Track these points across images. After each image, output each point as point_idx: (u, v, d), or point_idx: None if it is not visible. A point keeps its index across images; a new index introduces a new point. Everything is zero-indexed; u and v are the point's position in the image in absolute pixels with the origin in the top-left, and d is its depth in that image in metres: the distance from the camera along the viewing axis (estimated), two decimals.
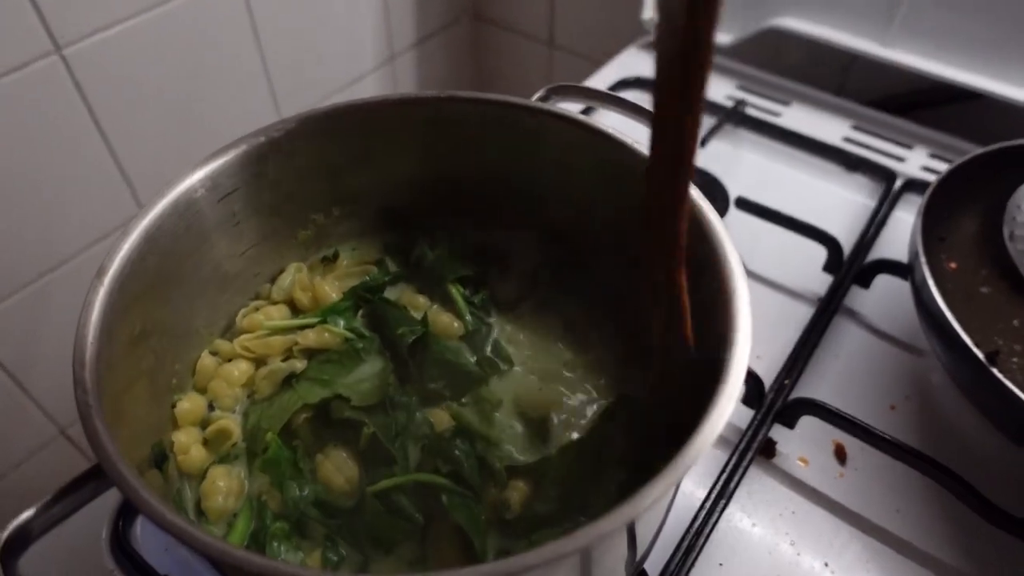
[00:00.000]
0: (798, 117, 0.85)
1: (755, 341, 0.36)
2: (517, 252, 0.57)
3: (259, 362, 0.51)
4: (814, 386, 0.58)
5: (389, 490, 0.44)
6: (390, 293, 0.56)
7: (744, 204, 0.71)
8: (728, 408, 0.33)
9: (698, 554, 0.48)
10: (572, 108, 0.52)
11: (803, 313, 0.63)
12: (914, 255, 0.56)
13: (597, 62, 0.95)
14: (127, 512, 0.49)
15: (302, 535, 0.44)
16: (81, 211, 0.77)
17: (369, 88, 1.05)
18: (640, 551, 0.42)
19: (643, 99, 0.86)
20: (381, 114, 0.51)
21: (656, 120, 0.33)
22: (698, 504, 0.50)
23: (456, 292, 0.54)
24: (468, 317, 0.53)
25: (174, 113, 0.81)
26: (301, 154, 0.50)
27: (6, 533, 0.40)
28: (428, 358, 0.50)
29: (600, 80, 0.90)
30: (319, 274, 0.56)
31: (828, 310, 0.63)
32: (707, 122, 0.82)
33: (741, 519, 0.51)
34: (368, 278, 0.56)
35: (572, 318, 0.54)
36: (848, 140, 0.82)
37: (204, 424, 0.48)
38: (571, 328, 0.53)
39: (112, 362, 0.38)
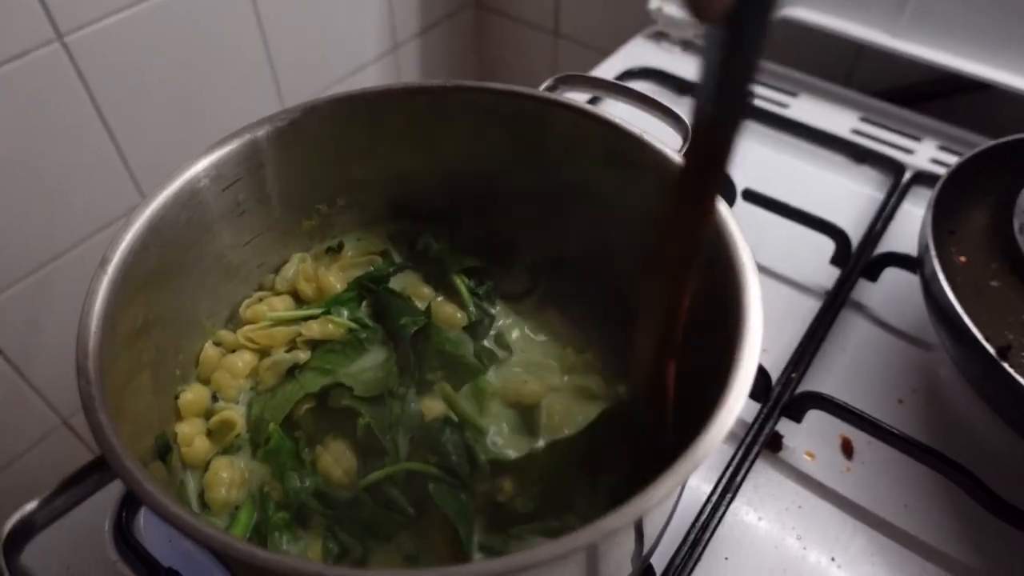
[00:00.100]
0: (806, 108, 0.84)
1: (762, 334, 0.35)
2: (523, 244, 0.57)
3: (263, 353, 0.51)
4: (821, 380, 0.58)
5: (381, 482, 0.44)
6: (395, 283, 0.55)
7: (751, 196, 0.71)
8: (738, 404, 0.33)
9: (704, 548, 0.48)
10: (579, 98, 0.51)
11: (810, 306, 0.63)
12: (924, 248, 0.55)
13: (603, 52, 0.94)
14: (130, 503, 0.49)
15: (303, 525, 0.44)
16: (83, 200, 0.77)
17: (372, 78, 1.05)
18: (647, 545, 0.42)
19: (650, 89, 0.86)
20: (386, 104, 0.51)
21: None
22: (704, 498, 0.50)
23: (460, 283, 0.54)
24: (471, 308, 0.53)
25: (177, 102, 0.80)
26: (305, 144, 0.50)
27: (9, 525, 0.40)
28: (429, 348, 0.50)
29: (606, 70, 0.89)
30: (323, 264, 0.56)
31: (835, 303, 0.62)
32: None
33: (747, 513, 0.51)
34: (372, 268, 0.55)
35: (576, 314, 0.53)
36: (856, 132, 0.81)
37: (208, 415, 0.48)
38: (574, 324, 0.53)
39: (115, 352, 0.37)
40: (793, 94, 0.87)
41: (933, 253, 0.54)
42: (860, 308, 0.64)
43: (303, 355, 0.50)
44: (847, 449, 0.54)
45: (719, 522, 0.49)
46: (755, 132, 0.82)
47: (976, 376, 0.53)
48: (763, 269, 0.66)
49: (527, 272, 0.56)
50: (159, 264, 0.43)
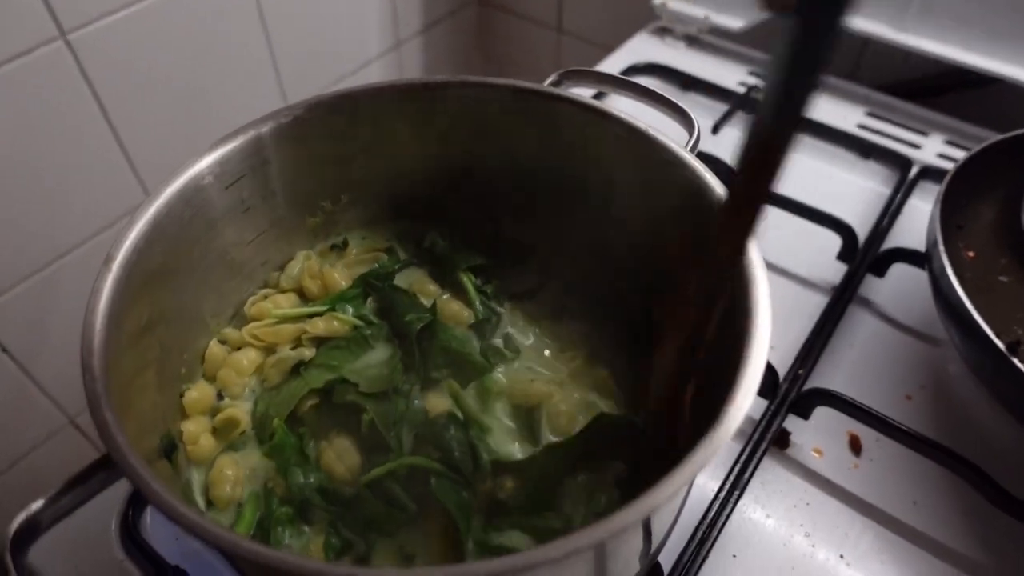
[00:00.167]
0: (811, 103, 0.83)
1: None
2: (531, 243, 0.56)
3: (268, 350, 0.51)
4: (829, 376, 0.57)
5: (383, 478, 0.44)
6: (400, 280, 0.55)
7: None
8: (746, 402, 0.32)
9: (712, 545, 0.48)
10: (584, 93, 0.51)
11: (817, 303, 0.62)
12: (932, 243, 0.55)
13: (607, 48, 0.94)
14: (137, 502, 0.49)
15: (306, 520, 0.44)
16: (88, 199, 0.77)
17: (376, 75, 1.05)
18: (655, 543, 0.42)
19: (654, 85, 0.85)
20: (390, 100, 0.51)
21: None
22: (712, 495, 0.50)
23: (467, 280, 0.54)
24: (478, 306, 0.53)
25: (180, 99, 0.80)
26: (309, 140, 0.50)
27: (15, 524, 0.40)
28: (435, 346, 0.50)
29: (610, 66, 0.89)
30: (329, 262, 0.56)
31: (843, 299, 0.62)
32: (719, 108, 0.81)
33: (755, 511, 0.51)
34: (378, 265, 0.55)
35: (583, 316, 0.53)
36: (863, 127, 0.81)
37: (213, 412, 0.48)
38: (583, 328, 0.53)
39: (120, 350, 0.37)
40: None
41: (941, 248, 0.53)
42: (867, 304, 0.63)
43: (308, 352, 0.50)
44: (855, 446, 0.54)
45: (727, 520, 0.49)
46: None
47: (985, 372, 0.52)
48: (770, 266, 0.66)
49: (536, 272, 0.56)
50: (163, 262, 0.42)
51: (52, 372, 0.81)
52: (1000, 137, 0.61)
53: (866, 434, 0.54)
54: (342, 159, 0.53)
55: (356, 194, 0.55)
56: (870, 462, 0.53)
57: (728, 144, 0.78)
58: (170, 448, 0.43)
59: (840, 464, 0.53)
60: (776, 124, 0.30)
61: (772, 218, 0.69)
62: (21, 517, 0.41)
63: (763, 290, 0.37)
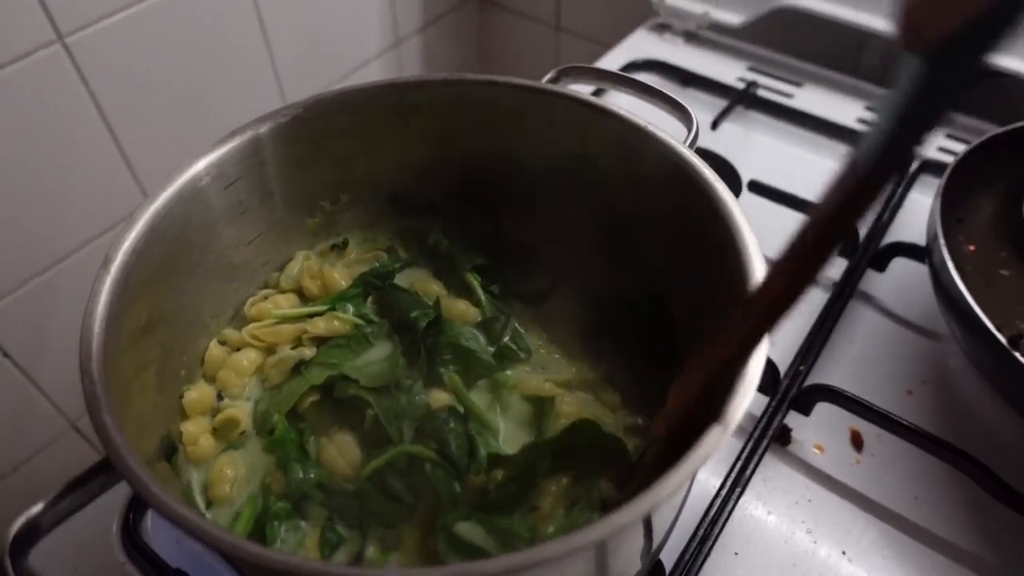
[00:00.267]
0: (811, 98, 0.84)
1: None
2: (533, 243, 0.56)
3: (268, 350, 0.50)
4: (829, 372, 0.57)
5: (383, 472, 0.44)
6: (401, 279, 0.55)
7: (757, 187, 0.70)
8: (747, 398, 0.32)
9: (714, 543, 0.47)
10: (583, 90, 0.51)
11: (817, 298, 0.62)
12: (932, 237, 0.55)
13: (605, 45, 0.94)
14: (138, 505, 0.49)
15: (303, 516, 0.44)
16: (87, 202, 0.77)
17: (375, 74, 1.04)
18: (656, 541, 0.42)
19: (653, 81, 0.85)
20: (388, 99, 0.51)
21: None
22: (713, 492, 0.49)
23: (473, 279, 0.54)
24: (485, 304, 0.53)
25: (179, 101, 0.80)
26: (307, 140, 0.50)
27: (15, 528, 0.40)
28: (441, 341, 0.50)
29: (609, 63, 0.89)
30: (328, 262, 0.55)
31: (843, 295, 0.62)
32: (718, 104, 0.81)
33: (757, 507, 0.51)
34: (378, 264, 0.55)
35: (589, 321, 0.53)
36: (862, 121, 0.80)
37: (213, 413, 0.48)
38: (585, 331, 0.52)
39: (119, 353, 0.37)
40: (798, 84, 0.86)
41: (942, 242, 0.53)
42: (868, 299, 0.63)
43: (309, 352, 0.50)
44: (856, 441, 0.54)
45: (728, 517, 0.49)
46: (760, 123, 0.81)
47: (987, 366, 0.52)
48: (770, 261, 0.66)
49: (542, 273, 0.55)
50: (162, 264, 0.42)
51: (53, 376, 0.81)
52: (1000, 130, 0.61)
53: (867, 430, 0.54)
54: (341, 159, 0.53)
55: (356, 194, 0.55)
56: (871, 458, 0.53)
57: (727, 140, 0.78)
58: (170, 450, 0.43)
59: (842, 460, 0.53)
60: (882, 163, 0.27)
61: (772, 213, 0.68)
62: (21, 521, 0.41)
63: None
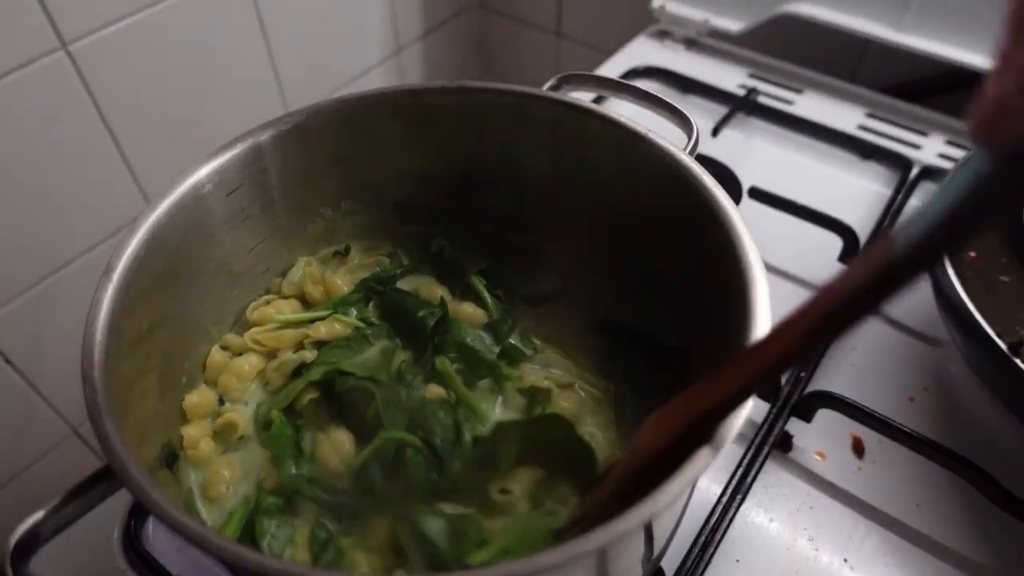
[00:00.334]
0: (811, 105, 0.84)
1: None
2: (538, 249, 0.56)
3: (269, 355, 0.51)
4: (830, 379, 0.57)
5: (370, 465, 0.44)
6: (404, 285, 0.55)
7: (757, 194, 0.70)
8: (747, 406, 0.32)
9: (715, 550, 0.47)
10: (583, 97, 0.51)
11: None
12: None
13: (606, 52, 0.94)
14: (139, 512, 0.49)
15: (295, 513, 0.44)
16: (89, 208, 0.77)
17: (376, 81, 1.05)
18: (657, 549, 0.42)
19: (654, 88, 0.85)
20: (388, 106, 0.51)
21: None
22: (714, 500, 0.49)
23: (478, 282, 0.54)
24: (491, 306, 0.53)
25: (182, 109, 0.80)
26: (309, 147, 0.50)
27: (16, 536, 0.40)
28: (448, 340, 0.50)
29: (610, 70, 0.89)
30: (331, 268, 0.56)
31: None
32: (718, 111, 0.81)
33: (758, 514, 0.51)
34: (379, 269, 0.55)
35: (591, 322, 0.53)
36: (863, 128, 0.80)
37: (214, 417, 0.48)
38: (588, 332, 0.52)
39: (121, 360, 0.37)
40: (798, 90, 0.86)
41: None
42: None
43: (310, 355, 0.50)
44: (858, 448, 0.54)
45: (729, 524, 0.49)
46: (760, 129, 0.81)
47: (988, 372, 0.52)
48: (770, 267, 0.66)
49: (546, 278, 0.56)
50: (164, 272, 0.43)
51: (55, 382, 0.81)
52: None
53: (869, 436, 0.54)
54: (342, 166, 0.53)
55: (357, 201, 0.55)
56: (873, 464, 0.53)
57: (728, 146, 0.78)
58: (171, 457, 0.43)
59: (843, 467, 0.53)
60: (923, 250, 0.25)
61: (773, 220, 0.69)
62: (22, 528, 0.41)
63: (762, 292, 0.37)
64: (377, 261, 0.56)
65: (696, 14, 0.91)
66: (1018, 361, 0.47)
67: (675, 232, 0.47)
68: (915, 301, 0.62)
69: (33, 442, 0.84)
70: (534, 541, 0.40)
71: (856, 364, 0.59)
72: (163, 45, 0.76)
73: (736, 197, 0.70)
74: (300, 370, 0.49)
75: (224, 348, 0.50)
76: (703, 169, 0.43)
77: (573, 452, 0.44)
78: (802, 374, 0.56)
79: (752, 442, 0.52)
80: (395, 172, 0.55)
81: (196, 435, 0.45)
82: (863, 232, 0.67)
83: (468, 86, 0.50)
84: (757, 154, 0.78)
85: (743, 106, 0.82)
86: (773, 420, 0.53)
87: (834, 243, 0.66)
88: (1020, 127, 0.21)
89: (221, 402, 0.49)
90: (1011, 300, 0.54)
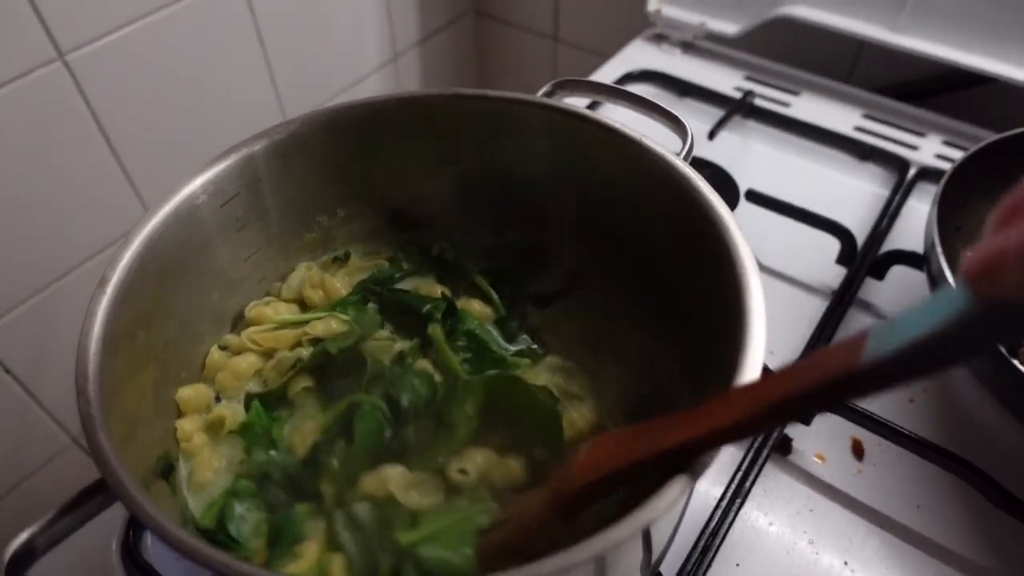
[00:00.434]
0: (808, 107, 0.84)
1: (768, 336, 0.35)
2: (540, 249, 0.56)
3: (268, 355, 0.51)
4: None
5: (331, 431, 0.45)
6: (403, 286, 0.55)
7: (754, 197, 0.70)
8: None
9: (715, 554, 0.47)
10: (578, 103, 0.51)
11: (817, 306, 0.62)
12: (930, 245, 0.55)
13: (603, 56, 0.94)
14: (137, 523, 0.49)
15: (266, 499, 0.44)
16: (88, 218, 0.77)
17: (373, 88, 1.05)
18: (656, 553, 0.42)
19: (651, 91, 0.86)
20: (384, 113, 0.51)
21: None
22: (714, 503, 0.49)
23: (483, 281, 0.54)
24: (498, 304, 0.53)
25: (180, 117, 0.81)
26: (304, 156, 0.50)
27: (9, 552, 0.40)
28: (459, 329, 0.51)
29: (606, 74, 0.89)
30: (330, 273, 0.56)
31: (842, 303, 0.62)
32: (715, 114, 0.81)
33: (758, 518, 0.50)
34: (377, 271, 0.56)
35: (594, 331, 0.53)
36: (859, 129, 0.80)
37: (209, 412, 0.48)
38: (591, 341, 0.52)
39: (116, 372, 0.37)
40: (795, 92, 0.86)
41: (939, 250, 0.53)
42: (867, 307, 0.63)
43: (306, 353, 0.50)
44: (858, 450, 0.54)
45: (729, 527, 0.49)
46: (757, 132, 0.81)
47: (987, 374, 0.52)
48: (768, 270, 0.66)
49: (550, 277, 0.56)
50: (159, 282, 0.43)
51: (55, 392, 0.81)
52: (997, 136, 0.61)
53: (868, 439, 0.54)
54: (337, 175, 0.53)
55: (353, 209, 0.55)
56: (873, 467, 0.53)
57: (725, 149, 0.78)
58: (167, 469, 0.43)
59: (843, 469, 0.53)
60: (887, 370, 0.26)
61: (770, 223, 0.68)
62: (15, 543, 0.40)
63: (757, 296, 0.36)
64: (377, 264, 0.56)
65: (692, 17, 0.91)
66: (1017, 363, 0.47)
67: (672, 237, 0.47)
68: (914, 303, 0.62)
69: (33, 452, 0.84)
70: (463, 534, 0.40)
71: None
72: (160, 54, 0.76)
73: (733, 200, 0.70)
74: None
75: (223, 347, 0.50)
76: (697, 174, 0.43)
77: (535, 415, 0.45)
78: None
79: (751, 445, 0.52)
80: (391, 179, 0.55)
81: (190, 429, 0.46)
82: (861, 234, 0.67)
83: (462, 93, 0.50)
84: (754, 157, 0.78)
85: (740, 109, 0.82)
86: None
87: (832, 245, 0.66)
88: (1014, 283, 0.21)
89: (217, 399, 0.49)
90: None
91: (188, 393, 0.47)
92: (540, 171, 0.53)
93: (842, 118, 0.82)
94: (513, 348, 0.52)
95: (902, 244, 0.66)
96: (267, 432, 0.46)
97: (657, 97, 0.85)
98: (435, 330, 0.50)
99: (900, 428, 0.51)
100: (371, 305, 0.53)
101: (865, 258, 0.65)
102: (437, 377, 0.48)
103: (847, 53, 0.89)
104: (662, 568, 0.45)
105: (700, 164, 0.75)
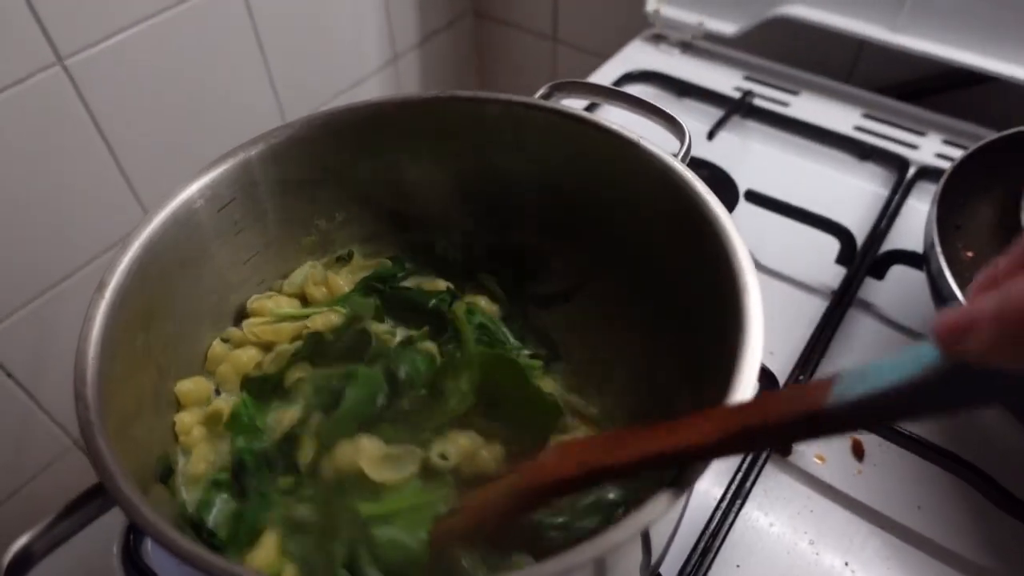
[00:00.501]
0: (807, 106, 0.84)
1: (767, 337, 0.35)
2: (541, 250, 0.56)
3: (267, 348, 0.51)
4: None
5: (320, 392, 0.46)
6: (406, 284, 0.55)
7: (754, 197, 0.70)
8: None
9: (715, 556, 0.47)
10: (576, 104, 0.51)
11: (816, 307, 0.62)
12: (929, 244, 0.55)
13: (602, 56, 0.94)
14: (137, 527, 0.49)
15: (243, 489, 0.44)
16: (89, 221, 0.77)
17: (372, 90, 1.05)
18: (655, 555, 0.42)
19: (650, 92, 0.86)
20: (383, 116, 0.51)
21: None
22: (714, 504, 0.49)
23: (487, 278, 0.54)
24: (503, 300, 0.53)
25: (179, 121, 0.81)
26: (301, 159, 0.50)
27: (7, 557, 0.40)
28: (472, 320, 0.50)
29: (605, 74, 0.89)
30: (333, 271, 0.56)
31: (842, 303, 0.62)
32: (714, 114, 0.81)
33: (758, 519, 0.50)
34: (380, 268, 0.55)
35: (593, 331, 0.53)
36: (859, 129, 0.80)
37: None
38: (590, 341, 0.52)
39: (114, 377, 0.37)
40: (794, 92, 0.86)
41: (939, 249, 0.53)
42: (867, 307, 0.63)
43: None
44: (858, 451, 0.54)
45: (729, 528, 0.49)
46: (756, 132, 0.81)
47: None
48: (767, 270, 0.66)
49: (552, 279, 0.56)
50: (158, 286, 0.43)
51: (57, 395, 0.82)
52: (997, 135, 0.61)
53: (868, 439, 0.54)
54: (337, 176, 0.53)
55: (352, 211, 0.55)
56: (873, 467, 0.53)
57: (724, 149, 0.78)
58: (166, 472, 0.43)
59: (843, 470, 0.53)
60: (851, 415, 0.26)
61: (770, 223, 0.68)
62: (14, 548, 0.40)
63: (755, 296, 0.36)
64: (380, 263, 0.56)
65: (691, 17, 0.91)
66: None
67: (670, 237, 0.46)
68: (913, 303, 0.62)
69: (34, 455, 0.84)
70: (423, 518, 0.40)
71: (855, 366, 0.58)
72: (159, 58, 0.76)
73: (733, 200, 0.70)
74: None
75: (225, 340, 0.50)
76: (694, 175, 0.43)
77: (526, 399, 0.45)
78: (800, 376, 0.56)
79: None
80: (389, 182, 0.55)
81: (190, 422, 0.46)
82: (861, 233, 0.67)
83: (459, 95, 0.50)
84: (753, 157, 0.78)
85: (739, 109, 0.82)
86: None
87: (832, 245, 0.66)
88: (981, 348, 0.22)
89: (217, 392, 0.49)
90: None
91: (188, 386, 0.47)
92: (539, 173, 0.53)
93: (841, 118, 0.81)
94: (526, 351, 0.52)
95: (902, 244, 0.66)
96: (253, 422, 0.46)
97: (656, 97, 0.85)
98: (459, 307, 0.50)
99: (900, 429, 0.51)
100: (371, 298, 0.53)
101: (865, 258, 0.65)
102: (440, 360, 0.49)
103: (846, 53, 0.89)
104: (662, 569, 0.45)
105: (699, 164, 0.75)
